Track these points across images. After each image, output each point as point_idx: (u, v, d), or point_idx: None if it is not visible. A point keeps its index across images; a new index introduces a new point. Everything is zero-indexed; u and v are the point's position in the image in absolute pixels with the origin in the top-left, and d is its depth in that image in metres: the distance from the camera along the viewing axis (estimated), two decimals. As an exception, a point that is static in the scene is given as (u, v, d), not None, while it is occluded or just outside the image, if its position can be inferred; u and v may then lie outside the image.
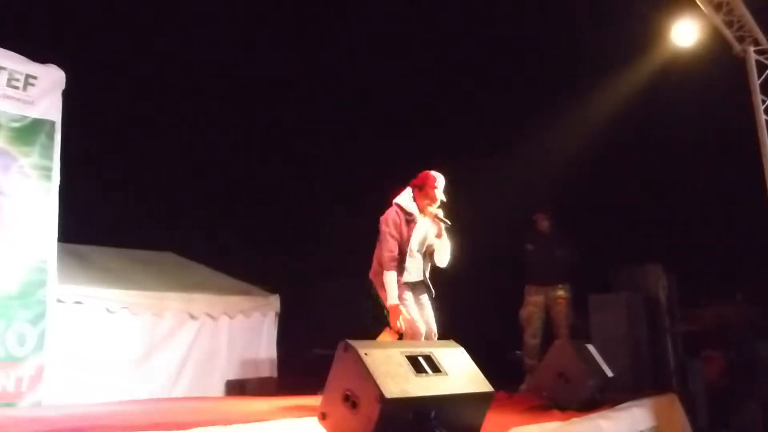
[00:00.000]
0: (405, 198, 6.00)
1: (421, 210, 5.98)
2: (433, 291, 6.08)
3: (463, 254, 6.07)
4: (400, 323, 5.67)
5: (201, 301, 8.97)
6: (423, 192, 5.96)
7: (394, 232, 5.81)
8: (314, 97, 11.77)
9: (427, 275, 6.09)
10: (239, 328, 9.32)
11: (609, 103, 10.22)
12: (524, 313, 8.96)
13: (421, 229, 6.00)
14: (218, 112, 11.44)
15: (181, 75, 10.95)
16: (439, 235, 5.98)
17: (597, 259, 9.25)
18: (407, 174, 6.20)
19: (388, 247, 5.77)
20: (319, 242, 11.18)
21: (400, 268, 5.87)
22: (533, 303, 8.96)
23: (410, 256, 5.90)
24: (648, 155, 10.63)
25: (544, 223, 9.27)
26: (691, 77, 9.27)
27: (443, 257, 5.99)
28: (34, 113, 7.21)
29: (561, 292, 8.98)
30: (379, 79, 11.47)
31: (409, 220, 5.91)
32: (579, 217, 9.67)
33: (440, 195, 5.99)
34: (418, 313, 5.95)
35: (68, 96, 7.40)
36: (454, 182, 6.16)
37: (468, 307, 9.69)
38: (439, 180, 5.99)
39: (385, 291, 5.78)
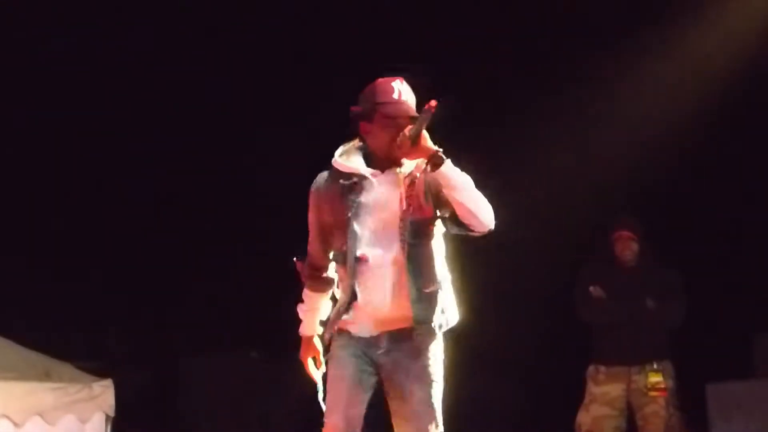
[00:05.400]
0: (343, 149, 4.32)
1: (383, 154, 4.19)
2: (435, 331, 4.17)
3: (465, 305, 4.42)
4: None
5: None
6: (371, 121, 4.20)
7: (311, 219, 4.33)
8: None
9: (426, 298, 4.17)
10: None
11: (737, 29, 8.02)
12: (585, 419, 6.98)
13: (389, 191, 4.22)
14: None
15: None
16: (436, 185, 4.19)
17: (722, 316, 7.81)
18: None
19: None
20: (191, 294, 10.34)
21: (319, 286, 4.37)
22: (604, 399, 6.99)
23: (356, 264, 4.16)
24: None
25: (628, 249, 7.09)
26: None
27: (475, 214, 4.14)
28: None
29: (656, 378, 6.97)
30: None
31: (351, 185, 4.20)
32: (684, 235, 7.89)
33: (404, 107, 4.18)
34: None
35: None
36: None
37: (472, 401, 7.74)
38: (394, 85, 4.21)
39: None
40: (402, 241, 4.09)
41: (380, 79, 4.22)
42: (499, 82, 8.85)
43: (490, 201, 4.28)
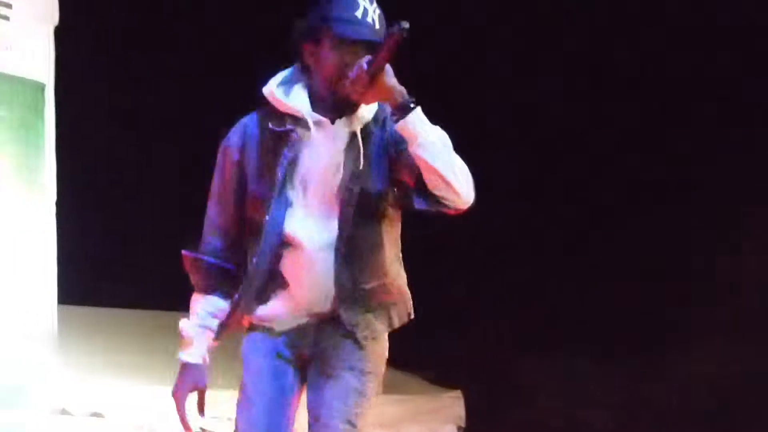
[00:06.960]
0: (282, 76, 3.12)
1: (328, 92, 3.04)
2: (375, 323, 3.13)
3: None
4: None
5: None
6: (318, 43, 3.01)
7: (219, 183, 3.18)
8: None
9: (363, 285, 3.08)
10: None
11: None
12: None
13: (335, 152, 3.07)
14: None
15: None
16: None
17: None
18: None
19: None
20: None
21: (218, 284, 3.17)
22: None
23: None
24: None
25: None
26: None
27: (450, 183, 2.91)
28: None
29: None
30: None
31: (285, 134, 3.05)
32: None
33: (365, 29, 2.96)
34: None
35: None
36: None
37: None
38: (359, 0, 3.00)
39: None
40: (344, 219, 3.08)
41: None
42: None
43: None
